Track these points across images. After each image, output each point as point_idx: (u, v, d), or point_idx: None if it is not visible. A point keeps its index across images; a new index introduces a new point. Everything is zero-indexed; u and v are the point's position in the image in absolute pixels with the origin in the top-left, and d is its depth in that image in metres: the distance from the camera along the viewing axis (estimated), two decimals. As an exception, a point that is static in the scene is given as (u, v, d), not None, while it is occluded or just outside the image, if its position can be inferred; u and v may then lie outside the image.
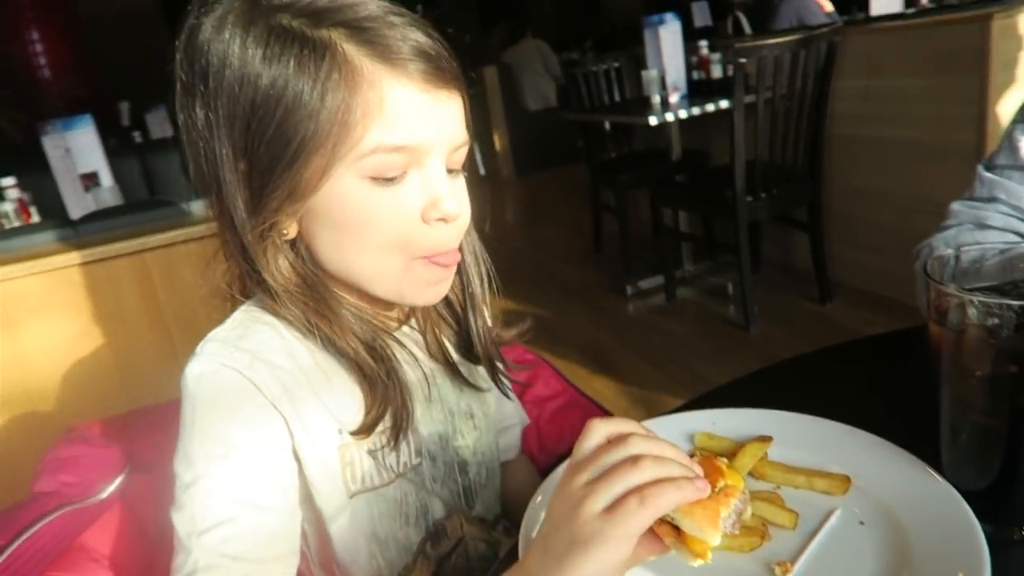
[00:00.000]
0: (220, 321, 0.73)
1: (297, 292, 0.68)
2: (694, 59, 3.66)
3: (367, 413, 0.69)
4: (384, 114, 0.62)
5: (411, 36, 0.63)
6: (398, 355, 0.74)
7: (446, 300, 0.83)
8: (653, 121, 3.25)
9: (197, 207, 1.74)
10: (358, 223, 0.65)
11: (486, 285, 0.84)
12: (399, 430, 0.71)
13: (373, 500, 0.73)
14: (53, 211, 2.74)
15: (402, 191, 0.65)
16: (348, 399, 0.70)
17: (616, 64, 4.27)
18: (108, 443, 0.85)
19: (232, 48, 0.61)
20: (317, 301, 0.69)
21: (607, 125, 4.24)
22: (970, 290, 0.59)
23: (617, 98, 4.28)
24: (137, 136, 4.54)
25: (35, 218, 2.70)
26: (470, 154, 0.73)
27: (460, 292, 0.83)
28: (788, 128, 2.95)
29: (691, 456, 0.53)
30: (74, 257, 1.50)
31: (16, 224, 2.60)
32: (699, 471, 0.51)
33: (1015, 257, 0.64)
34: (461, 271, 0.81)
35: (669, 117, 3.28)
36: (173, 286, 1.57)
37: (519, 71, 7.18)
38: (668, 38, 3.53)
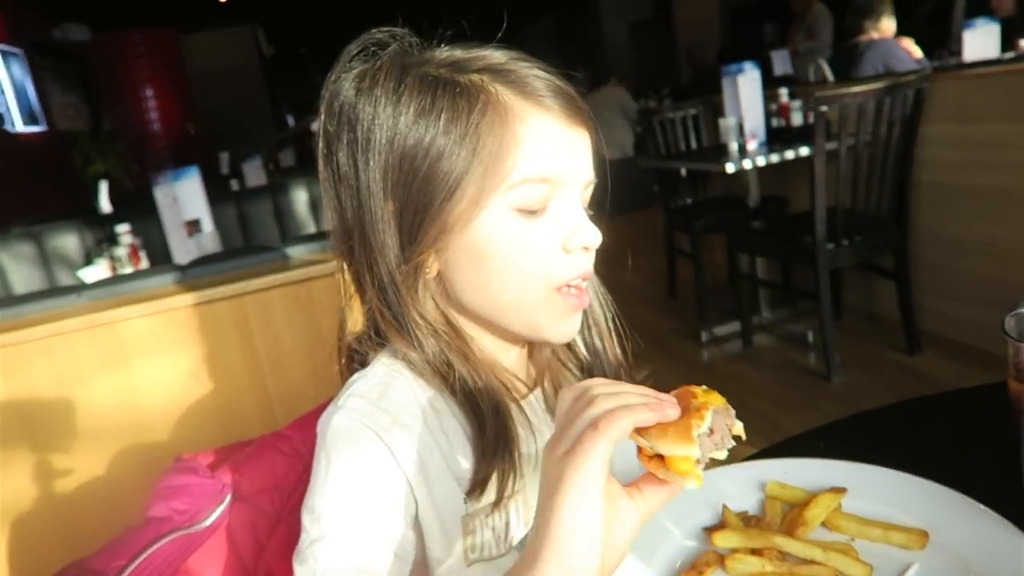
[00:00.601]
0: (356, 366, 0.75)
1: (442, 330, 0.71)
2: (773, 107, 3.64)
3: (476, 471, 0.69)
4: (531, 147, 0.65)
5: (543, 76, 0.68)
6: (518, 420, 0.73)
7: (569, 346, 0.83)
8: (730, 169, 3.24)
9: (293, 252, 1.86)
10: (505, 254, 0.67)
11: (611, 323, 0.83)
12: (503, 495, 0.70)
13: (489, 570, 0.72)
14: (159, 255, 2.96)
15: (545, 222, 0.67)
16: (467, 461, 0.71)
17: (693, 111, 4.29)
18: (212, 473, 0.92)
19: (384, 100, 0.66)
20: (458, 340, 0.71)
21: (683, 171, 4.25)
22: (1049, 347, 0.59)
23: (694, 145, 4.29)
24: (234, 184, 4.84)
25: (144, 262, 2.93)
26: None
27: (587, 333, 0.82)
28: (872, 174, 2.89)
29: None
30: (181, 300, 1.63)
31: (128, 266, 2.82)
32: (667, 398, 0.52)
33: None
34: (586, 312, 0.80)
35: (747, 164, 3.26)
36: (268, 328, 1.68)
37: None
38: (747, 86, 3.54)
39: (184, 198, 2.79)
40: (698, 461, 0.51)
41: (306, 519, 0.66)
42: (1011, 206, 2.71)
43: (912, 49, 4.33)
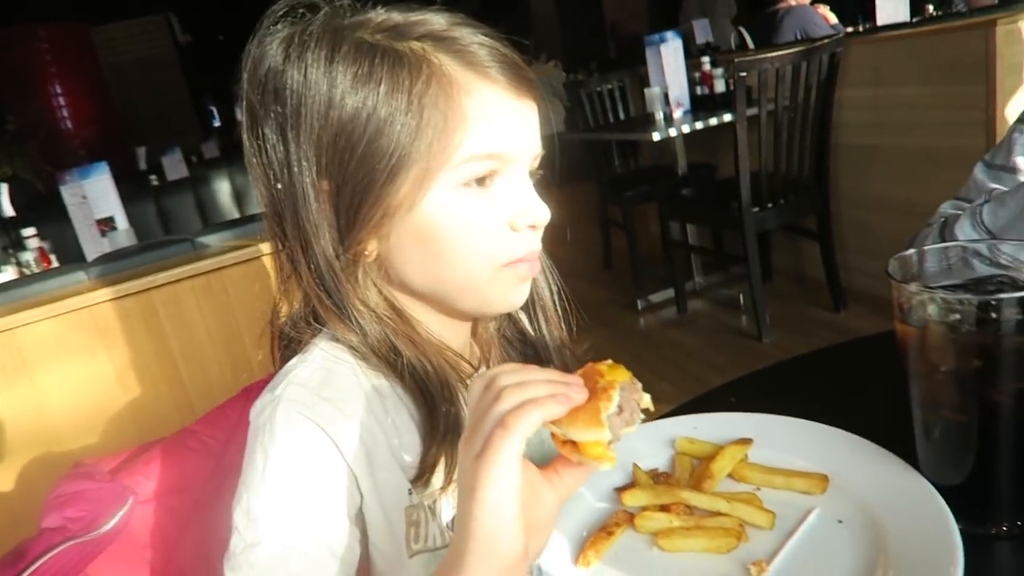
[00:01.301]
0: (288, 353, 0.70)
1: (386, 316, 0.67)
2: (697, 75, 3.68)
3: (423, 457, 0.66)
4: (478, 122, 0.61)
5: (488, 44, 0.63)
6: (465, 402, 0.69)
7: (512, 320, 0.81)
8: (656, 136, 3.27)
9: (207, 241, 1.79)
10: (452, 234, 0.63)
11: (555, 297, 0.81)
12: (451, 480, 0.67)
13: (432, 560, 0.70)
14: (72, 257, 2.82)
15: (492, 199, 0.63)
16: (414, 448, 0.68)
17: (620, 83, 4.31)
18: (112, 477, 0.87)
19: (316, 68, 0.60)
20: (403, 323, 0.67)
21: (613, 143, 4.28)
22: (931, 287, 0.60)
23: (622, 116, 4.31)
24: (154, 179, 4.64)
25: (55, 265, 2.79)
26: None
27: (531, 308, 0.79)
28: (792, 138, 2.96)
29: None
30: (85, 300, 1.55)
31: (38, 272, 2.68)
32: (574, 381, 0.50)
33: (972, 254, 0.65)
34: (531, 288, 0.76)
35: (672, 132, 3.30)
36: (180, 321, 1.61)
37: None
38: (669, 55, 3.56)
39: (94, 196, 2.66)
40: (610, 443, 0.50)
41: (240, 520, 0.62)
42: (925, 165, 2.81)
43: (828, 15, 4.44)
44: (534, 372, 0.51)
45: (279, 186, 0.64)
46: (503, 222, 0.64)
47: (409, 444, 0.68)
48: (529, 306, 0.78)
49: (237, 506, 0.62)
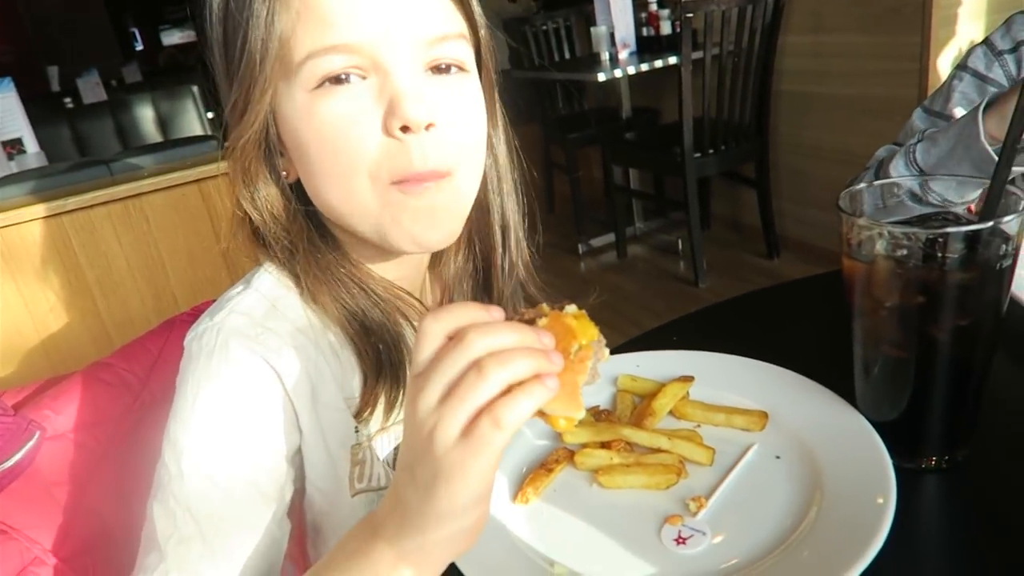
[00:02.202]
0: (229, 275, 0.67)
1: (283, 230, 0.62)
2: (643, 15, 3.62)
3: (362, 393, 0.63)
4: (313, 14, 0.54)
5: None
6: (408, 334, 0.66)
7: (467, 248, 0.73)
8: (602, 77, 3.22)
9: (127, 165, 1.67)
10: (311, 140, 0.57)
11: (520, 220, 0.73)
12: (389, 418, 0.65)
13: (375, 499, 0.67)
14: (-24, 180, 2.62)
15: (353, 96, 0.56)
16: (359, 385, 0.64)
17: (566, 22, 4.21)
18: (15, 411, 0.81)
19: None
20: (309, 253, 0.62)
21: (557, 84, 4.20)
22: (880, 222, 0.59)
23: (567, 56, 4.23)
24: (68, 102, 4.33)
25: (-43, 188, 2.58)
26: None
27: (486, 235, 0.72)
28: (736, 84, 2.96)
29: (541, 314, 0.48)
30: (-13, 224, 1.42)
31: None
32: (548, 342, 0.44)
33: (905, 192, 0.64)
34: (483, 206, 0.69)
35: (617, 73, 3.26)
36: (96, 250, 1.50)
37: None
38: (617, -6, 3.49)
39: (-1, 115, 2.45)
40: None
41: (167, 451, 0.58)
42: (863, 115, 2.85)
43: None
44: (504, 332, 0.42)
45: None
46: (372, 126, 0.56)
47: (353, 380, 0.65)
48: (497, 237, 0.72)
49: (166, 437, 0.59)
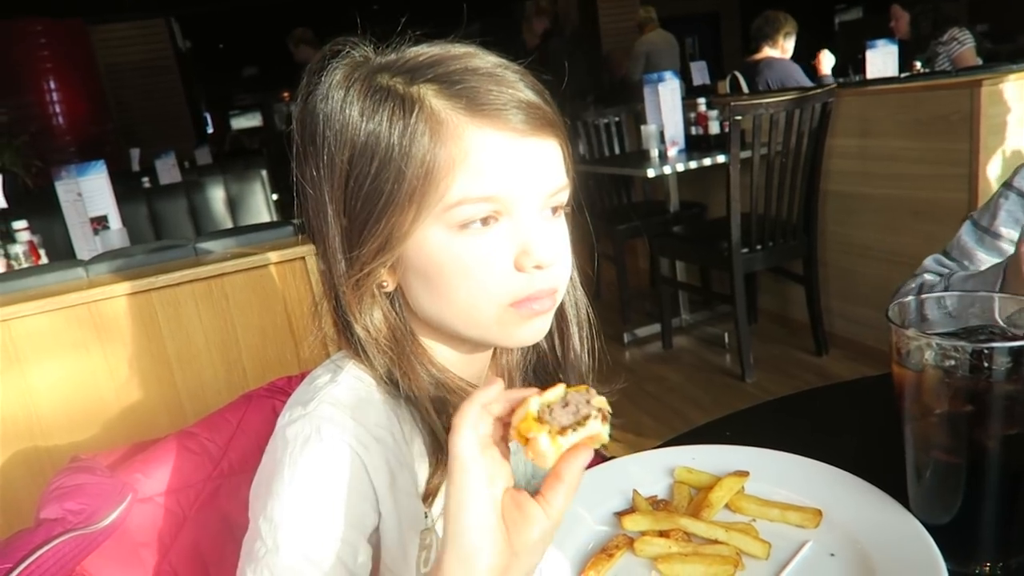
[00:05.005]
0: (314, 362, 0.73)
1: (385, 344, 0.69)
2: (692, 115, 3.77)
3: (429, 479, 0.69)
4: (469, 166, 0.62)
5: (508, 88, 0.63)
6: None
7: (539, 358, 0.81)
8: (651, 173, 3.34)
9: (206, 247, 1.79)
10: (448, 273, 0.64)
11: (586, 334, 0.80)
12: None
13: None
14: (62, 253, 2.80)
15: (492, 240, 0.64)
16: (424, 468, 0.70)
17: (616, 118, 4.39)
18: (111, 472, 0.88)
19: (333, 108, 0.65)
20: (400, 355, 0.69)
21: (607, 178, 4.34)
22: (928, 334, 0.63)
23: (617, 151, 4.38)
24: (146, 181, 4.62)
25: (44, 260, 2.76)
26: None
27: (556, 345, 0.79)
28: (783, 183, 3.03)
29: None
30: (82, 296, 1.54)
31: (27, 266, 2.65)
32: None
33: (968, 300, 0.68)
34: (558, 321, 0.77)
35: (667, 170, 3.36)
36: (178, 325, 1.61)
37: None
38: (667, 95, 3.65)
39: (89, 194, 2.64)
40: (547, 424, 0.52)
41: (263, 526, 0.64)
42: (911, 217, 2.88)
43: (820, 66, 4.57)
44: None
45: (313, 217, 0.69)
46: (507, 263, 0.64)
47: (422, 468, 0.70)
48: (555, 337, 0.79)
49: (261, 512, 0.64)
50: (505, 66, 0.66)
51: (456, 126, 0.62)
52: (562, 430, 0.52)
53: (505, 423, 0.55)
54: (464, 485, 0.52)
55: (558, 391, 0.54)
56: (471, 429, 0.52)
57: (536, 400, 0.53)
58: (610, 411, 0.54)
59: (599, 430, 0.53)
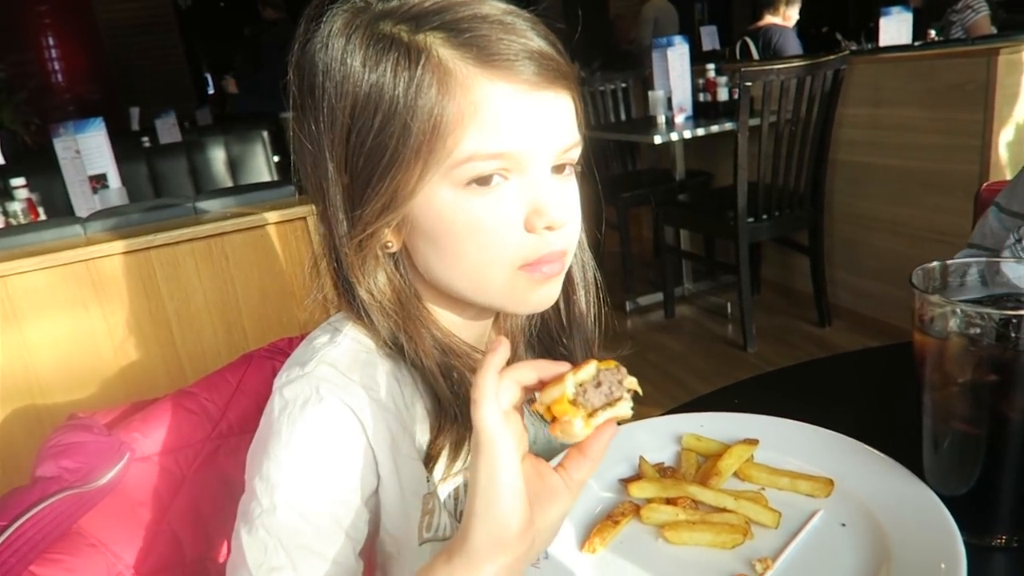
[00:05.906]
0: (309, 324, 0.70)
1: (390, 307, 0.67)
2: (700, 82, 3.70)
3: (431, 443, 0.68)
4: (480, 120, 0.58)
5: (520, 38, 0.60)
6: None
7: (543, 321, 0.79)
8: (657, 140, 3.29)
9: (206, 206, 1.77)
10: (456, 233, 0.61)
11: (593, 298, 0.78)
12: (451, 470, 0.69)
13: (438, 550, 0.70)
14: (61, 211, 2.78)
15: (502, 199, 0.60)
16: (425, 432, 0.69)
17: (623, 84, 4.32)
18: (109, 431, 0.86)
19: (334, 57, 0.61)
20: (405, 319, 0.66)
21: (612, 144, 4.29)
22: (954, 300, 0.61)
23: (623, 117, 4.32)
24: (146, 141, 4.57)
25: (43, 218, 2.73)
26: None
27: (561, 307, 0.77)
28: (791, 152, 2.98)
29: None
30: (80, 253, 1.52)
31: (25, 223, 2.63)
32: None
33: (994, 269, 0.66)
34: (564, 283, 0.73)
35: (673, 136, 3.32)
36: (177, 284, 1.59)
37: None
38: (676, 60, 3.58)
39: (88, 151, 2.62)
40: (591, 414, 0.51)
41: (259, 486, 0.63)
42: (918, 187, 2.84)
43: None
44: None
45: (312, 174, 0.65)
46: (517, 223, 0.61)
47: (422, 431, 0.69)
48: (561, 300, 0.76)
49: (257, 472, 0.63)
50: (516, 13, 0.62)
51: (465, 77, 0.58)
52: (593, 411, 0.51)
53: (526, 389, 0.53)
54: (494, 458, 0.50)
55: (590, 370, 0.52)
56: (493, 400, 0.50)
57: (572, 381, 0.50)
58: (640, 391, 0.53)
59: (627, 411, 0.52)
